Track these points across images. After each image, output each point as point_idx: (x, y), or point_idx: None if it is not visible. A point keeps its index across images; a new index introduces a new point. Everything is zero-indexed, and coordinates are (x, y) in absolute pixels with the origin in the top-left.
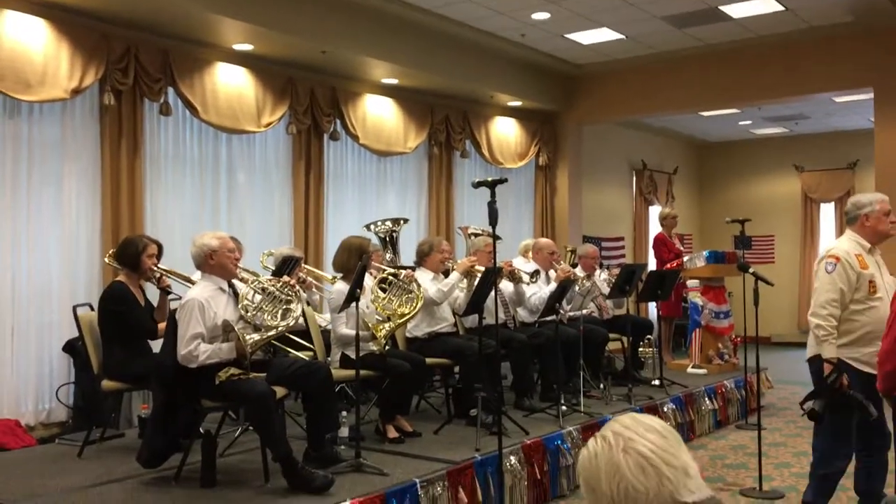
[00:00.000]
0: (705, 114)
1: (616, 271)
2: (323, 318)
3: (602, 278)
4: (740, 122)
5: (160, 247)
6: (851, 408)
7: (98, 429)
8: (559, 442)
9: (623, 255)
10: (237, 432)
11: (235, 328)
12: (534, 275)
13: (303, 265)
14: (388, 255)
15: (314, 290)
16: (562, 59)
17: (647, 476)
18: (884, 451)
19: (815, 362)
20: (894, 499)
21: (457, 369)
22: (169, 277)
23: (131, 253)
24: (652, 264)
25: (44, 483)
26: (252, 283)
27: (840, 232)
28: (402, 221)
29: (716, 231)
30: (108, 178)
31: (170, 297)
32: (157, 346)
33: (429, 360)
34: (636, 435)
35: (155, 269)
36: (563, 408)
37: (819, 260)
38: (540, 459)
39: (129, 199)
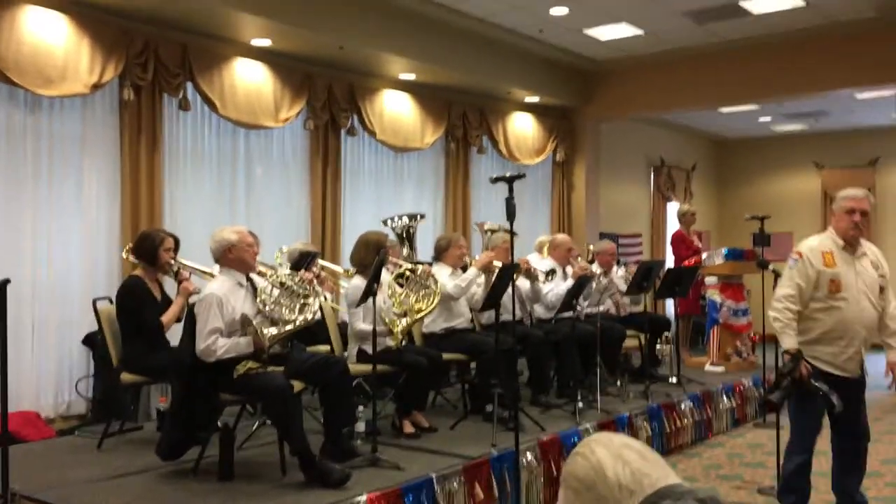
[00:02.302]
0: (724, 110)
1: (633, 268)
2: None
3: (619, 275)
4: (760, 119)
5: (177, 240)
6: (815, 403)
7: (117, 421)
8: (576, 439)
9: (640, 253)
10: (255, 426)
11: (253, 322)
12: (549, 273)
13: (318, 261)
14: (405, 251)
15: (331, 287)
16: (580, 55)
17: (650, 463)
18: (857, 449)
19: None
20: None
21: (473, 365)
22: (186, 270)
23: (148, 247)
24: (670, 261)
25: (63, 475)
26: (270, 277)
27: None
28: (418, 217)
29: (734, 228)
30: (127, 172)
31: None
32: (175, 339)
33: (445, 356)
34: (625, 438)
35: (172, 262)
36: (580, 404)
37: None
38: (556, 456)
39: (149, 194)
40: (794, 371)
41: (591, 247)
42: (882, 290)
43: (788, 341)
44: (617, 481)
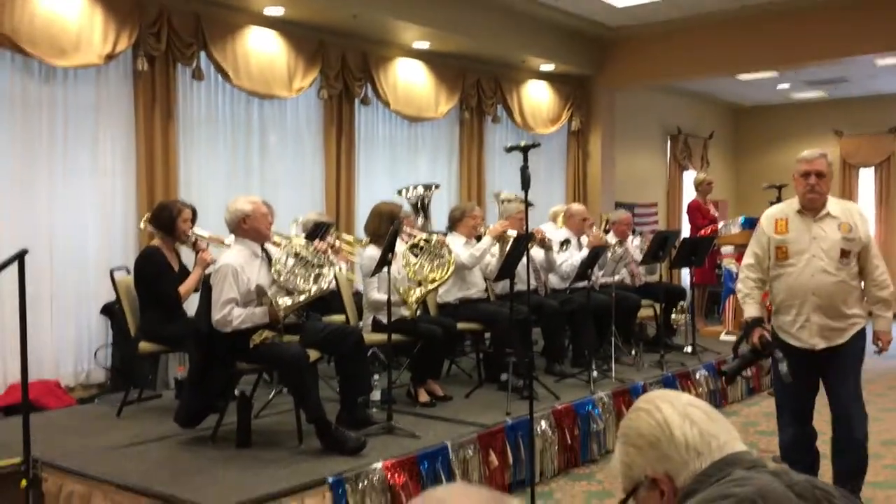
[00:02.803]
0: (742, 77)
1: (649, 238)
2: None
3: (635, 244)
4: (778, 86)
5: (194, 211)
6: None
7: (136, 390)
8: (590, 407)
9: (656, 222)
10: (271, 394)
11: (268, 292)
12: (564, 243)
13: (332, 231)
14: (420, 221)
15: (346, 257)
16: (595, 22)
17: (718, 424)
18: (840, 427)
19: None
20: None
21: (488, 334)
22: (204, 240)
23: (166, 217)
24: (686, 231)
25: (83, 442)
26: (285, 247)
27: (879, 198)
28: (433, 187)
29: (752, 197)
30: (142, 142)
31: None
32: (192, 308)
33: (460, 325)
34: (689, 397)
35: (190, 233)
36: (594, 373)
37: None
38: (570, 424)
39: (164, 163)
40: (745, 340)
41: (604, 214)
42: (846, 253)
43: (748, 310)
44: (684, 441)
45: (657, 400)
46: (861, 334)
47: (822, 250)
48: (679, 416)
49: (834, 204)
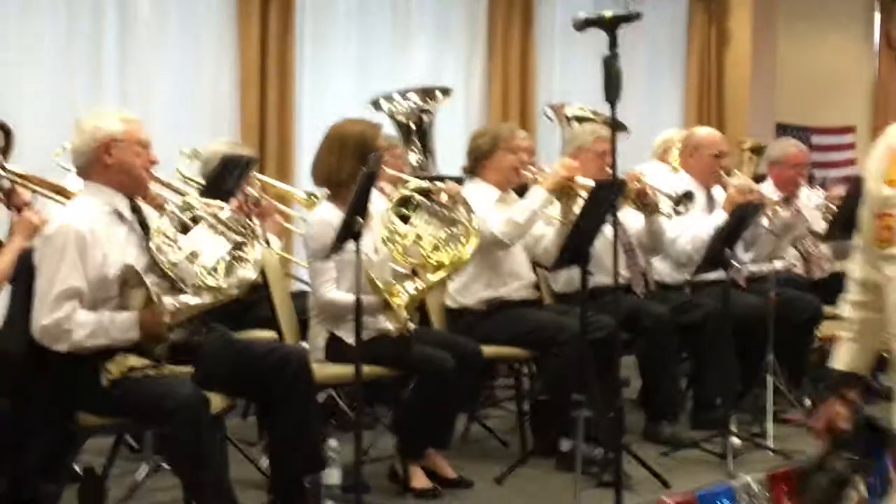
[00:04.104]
0: None
1: (840, 191)
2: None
3: (813, 204)
4: None
5: (7, 132)
6: None
7: None
8: (727, 501)
9: (852, 162)
10: (141, 474)
11: (146, 284)
12: (682, 199)
13: (255, 174)
14: (415, 157)
15: (278, 224)
16: None
17: None
18: None
19: None
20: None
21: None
22: (26, 188)
23: None
24: None
25: None
26: (173, 207)
27: None
28: (438, 94)
29: None
30: None
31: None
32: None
33: (487, 350)
34: None
35: (2, 172)
36: (736, 441)
37: None
38: None
39: None
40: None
41: (746, 143)
42: None
43: (835, 356)
44: None
45: None
46: None
47: None
48: None
49: None
